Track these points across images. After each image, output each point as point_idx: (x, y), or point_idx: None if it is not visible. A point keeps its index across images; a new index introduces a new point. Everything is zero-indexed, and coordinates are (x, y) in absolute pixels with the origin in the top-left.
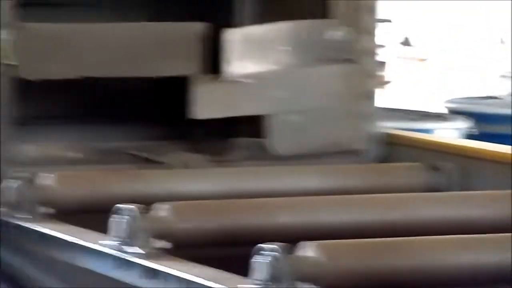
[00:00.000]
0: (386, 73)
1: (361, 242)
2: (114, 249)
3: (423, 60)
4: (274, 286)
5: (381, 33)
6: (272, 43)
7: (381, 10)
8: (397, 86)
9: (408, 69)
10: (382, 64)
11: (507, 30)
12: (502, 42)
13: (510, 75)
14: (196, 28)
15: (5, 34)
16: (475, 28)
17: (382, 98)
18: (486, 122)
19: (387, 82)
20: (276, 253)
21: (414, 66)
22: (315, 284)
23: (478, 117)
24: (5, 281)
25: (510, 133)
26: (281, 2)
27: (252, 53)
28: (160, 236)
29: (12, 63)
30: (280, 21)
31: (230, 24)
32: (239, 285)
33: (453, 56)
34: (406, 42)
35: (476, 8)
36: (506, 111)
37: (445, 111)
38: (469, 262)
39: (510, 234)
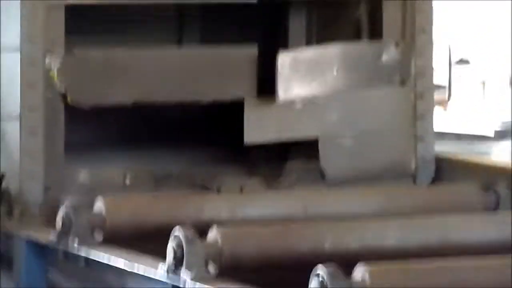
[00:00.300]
0: (443, 95)
1: (411, 266)
2: (168, 275)
3: (483, 82)
4: None
5: (437, 54)
6: (324, 66)
7: (438, 30)
8: (455, 108)
9: (467, 91)
10: (438, 86)
11: None
12: None
13: None
14: (249, 51)
15: (55, 62)
16: None
17: (439, 120)
18: None
19: (444, 104)
20: (328, 276)
21: (472, 87)
22: None
23: None
24: None
25: None
26: (332, 26)
27: (304, 76)
28: (212, 260)
29: (63, 89)
30: (332, 43)
31: (283, 48)
32: None
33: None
34: (464, 62)
35: None
36: None
37: (498, 133)
38: None
39: None
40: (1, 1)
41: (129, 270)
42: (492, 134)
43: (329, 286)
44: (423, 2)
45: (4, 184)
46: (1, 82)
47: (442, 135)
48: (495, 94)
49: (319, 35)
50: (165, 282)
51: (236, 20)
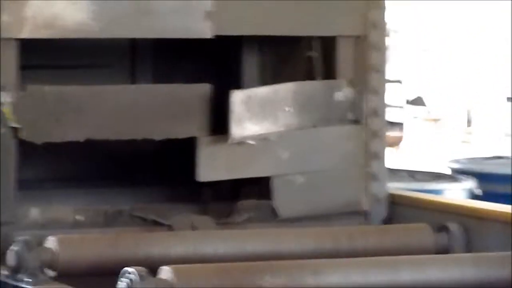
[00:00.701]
0: (396, 134)
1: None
2: None
3: (436, 120)
4: None
5: (390, 93)
6: (277, 104)
7: (391, 70)
8: (408, 146)
9: (420, 129)
10: (391, 124)
11: None
12: (508, 100)
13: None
14: (202, 89)
15: (7, 97)
16: (484, 87)
17: (391, 159)
18: (491, 182)
19: (397, 143)
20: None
21: (426, 126)
22: None
23: (484, 177)
24: None
25: None
26: (286, 63)
27: (257, 114)
28: None
29: (16, 125)
30: (285, 82)
31: (236, 85)
32: None
33: (463, 115)
34: (418, 102)
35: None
36: (509, 171)
37: (450, 171)
38: None
39: None
40: None
41: None
42: (447, 172)
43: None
44: (377, 40)
45: None
46: None
47: (396, 173)
48: (449, 131)
49: (272, 72)
50: None
51: (189, 58)
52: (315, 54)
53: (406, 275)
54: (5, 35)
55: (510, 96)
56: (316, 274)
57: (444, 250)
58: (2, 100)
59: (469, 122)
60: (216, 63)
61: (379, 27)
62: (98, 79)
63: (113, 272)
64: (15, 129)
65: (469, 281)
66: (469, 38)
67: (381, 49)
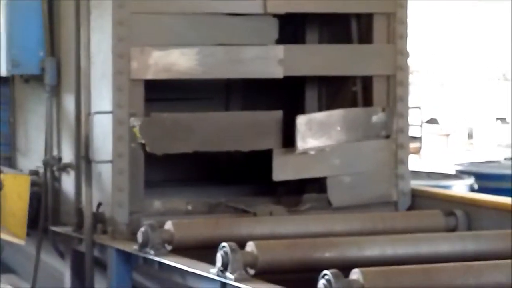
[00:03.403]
0: (417, 145)
1: (399, 269)
2: (217, 275)
3: (446, 135)
4: None
5: (412, 116)
6: (331, 125)
7: (413, 99)
8: (426, 154)
9: (435, 142)
10: (413, 138)
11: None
12: (504, 122)
13: (504, 144)
14: (276, 115)
15: (137, 121)
16: (482, 111)
17: (413, 164)
18: (487, 180)
19: (417, 152)
20: (333, 277)
21: (439, 139)
22: None
23: (481, 176)
24: None
25: (505, 187)
26: (336, 95)
27: (316, 132)
28: (249, 265)
29: (142, 142)
30: (336, 108)
31: (301, 112)
32: None
33: (466, 131)
34: (433, 122)
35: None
36: (501, 171)
37: (456, 172)
38: (476, 283)
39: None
40: (95, 78)
41: (190, 271)
42: (454, 172)
43: (333, 285)
44: (402, 78)
45: (100, 209)
46: (96, 137)
47: (417, 174)
48: (456, 143)
49: (327, 102)
50: (216, 280)
51: (268, 92)
52: (358, 88)
53: (425, 248)
54: (134, 76)
55: (499, 117)
56: (360, 249)
57: (452, 229)
58: (133, 123)
59: (470, 136)
60: (287, 96)
61: (404, 69)
62: (202, 108)
63: (214, 246)
64: (142, 145)
65: (470, 252)
66: (469, 74)
67: (405, 85)
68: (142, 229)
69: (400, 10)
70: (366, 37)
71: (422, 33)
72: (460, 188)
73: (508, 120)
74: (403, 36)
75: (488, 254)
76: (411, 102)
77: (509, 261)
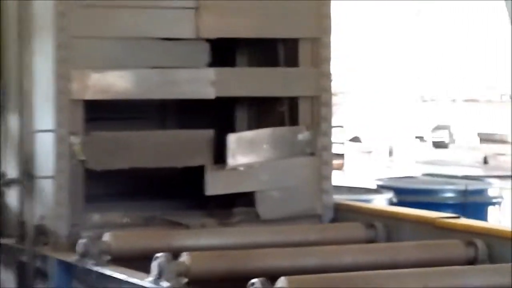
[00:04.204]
0: (340, 161)
1: (322, 277)
2: (152, 284)
3: (368, 152)
4: None
5: (335, 135)
6: (259, 143)
7: (336, 119)
8: (348, 170)
9: (357, 158)
10: (336, 155)
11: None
12: (422, 140)
13: (421, 161)
14: (208, 133)
15: (77, 139)
16: (401, 131)
17: (336, 179)
18: (405, 194)
19: (341, 168)
20: (261, 285)
21: (361, 156)
22: None
23: (400, 191)
24: None
25: (422, 201)
26: (265, 115)
27: (245, 150)
28: (182, 275)
29: (83, 158)
30: (264, 127)
31: (231, 130)
32: None
33: (386, 149)
34: (356, 140)
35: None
36: (419, 186)
37: (376, 186)
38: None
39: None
40: (37, 98)
41: (127, 280)
42: (374, 187)
43: None
44: (326, 100)
45: (42, 222)
46: (38, 154)
47: (339, 188)
48: (377, 160)
49: (256, 121)
50: None
51: (200, 112)
52: (284, 109)
53: (345, 258)
54: (74, 97)
55: (418, 135)
56: (285, 259)
57: (371, 241)
58: (73, 141)
59: (390, 154)
60: (219, 116)
61: (328, 90)
62: (139, 127)
63: (150, 257)
64: (82, 161)
65: (387, 262)
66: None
67: (329, 105)
68: (82, 240)
69: (324, 36)
70: (292, 61)
71: (347, 56)
72: (380, 202)
73: (426, 138)
74: (327, 60)
75: (405, 264)
76: (335, 121)
77: (424, 269)
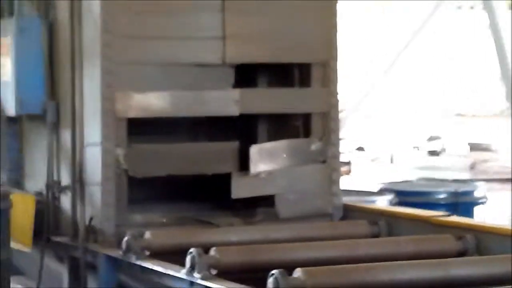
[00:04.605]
0: (348, 168)
1: (334, 268)
2: (186, 276)
3: (373, 159)
4: None
5: (343, 144)
6: (278, 153)
7: (344, 130)
8: (355, 176)
9: (362, 165)
10: (344, 163)
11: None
12: (419, 149)
13: (418, 167)
14: (234, 145)
15: (121, 151)
16: (400, 142)
17: (344, 183)
18: (404, 196)
19: (348, 173)
20: (280, 276)
21: (366, 163)
22: None
23: (399, 193)
24: None
25: (418, 202)
26: (282, 128)
27: (266, 159)
28: (213, 267)
29: (126, 167)
30: (282, 139)
31: (253, 142)
32: None
33: (388, 157)
34: (361, 149)
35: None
36: (415, 189)
37: (379, 189)
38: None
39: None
40: (87, 116)
41: (164, 272)
42: (378, 190)
43: (280, 283)
44: (335, 115)
45: (92, 223)
46: (88, 164)
47: (347, 191)
48: (380, 166)
49: (274, 134)
50: (186, 280)
51: (227, 127)
52: (299, 123)
53: (353, 251)
54: (118, 115)
55: (415, 145)
56: (302, 252)
57: (375, 236)
58: (118, 153)
59: (391, 161)
60: (242, 130)
61: (336, 107)
62: (174, 140)
63: (184, 252)
64: (126, 170)
65: (391, 254)
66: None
67: (337, 120)
68: (125, 238)
69: (332, 61)
70: (305, 82)
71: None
72: (383, 203)
73: (421, 148)
74: (335, 81)
75: (404, 255)
76: (343, 134)
77: (425, 260)
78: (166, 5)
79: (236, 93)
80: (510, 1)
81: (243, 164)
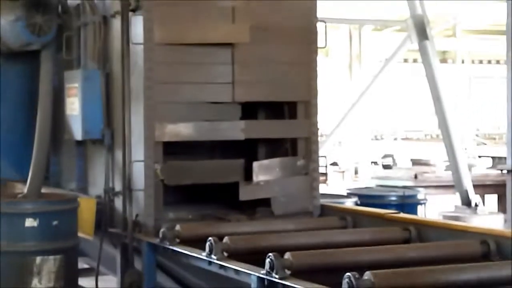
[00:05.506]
0: (324, 178)
1: (314, 252)
2: (205, 257)
3: (343, 171)
4: None
5: (322, 161)
6: (273, 167)
7: (322, 151)
8: (330, 184)
9: (335, 176)
10: (322, 174)
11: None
12: (376, 164)
13: (376, 177)
14: (240, 162)
15: (158, 166)
16: (362, 158)
17: (322, 189)
18: (365, 198)
19: (325, 182)
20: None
21: (338, 174)
22: None
23: (362, 196)
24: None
25: (376, 203)
26: (276, 149)
27: (264, 172)
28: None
29: (162, 178)
30: (276, 158)
31: (255, 160)
32: None
33: (353, 169)
34: (334, 164)
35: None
36: (374, 193)
37: (347, 193)
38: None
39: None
40: (134, 140)
41: (190, 254)
42: (345, 194)
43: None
44: (315, 139)
45: (137, 219)
46: (134, 175)
47: (324, 195)
48: (347, 177)
49: (270, 154)
50: (205, 260)
51: (234, 149)
52: (288, 145)
53: (328, 238)
54: (157, 140)
55: (373, 160)
56: (285, 239)
57: (344, 227)
58: (156, 167)
59: (356, 173)
60: (247, 150)
61: (316, 133)
62: (197, 158)
63: (205, 239)
64: (162, 180)
65: (353, 239)
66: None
67: (316, 143)
68: (162, 229)
69: (313, 99)
70: (293, 115)
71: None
72: (350, 203)
73: (378, 162)
74: (315, 114)
75: (363, 242)
76: (321, 153)
77: (380, 246)
78: (191, 59)
79: (242, 123)
80: (440, 57)
81: (248, 175)
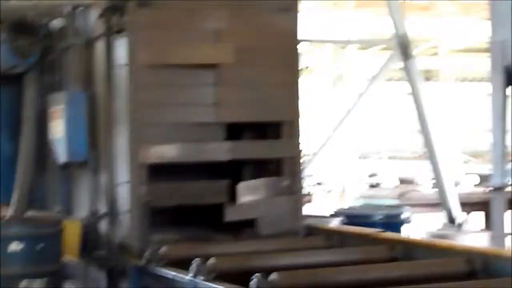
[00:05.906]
0: (309, 198)
1: (301, 272)
2: (192, 278)
3: (329, 191)
4: None
5: (306, 181)
6: (259, 188)
7: (307, 170)
8: (315, 204)
9: (321, 196)
10: (307, 194)
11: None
12: (362, 183)
13: (360, 197)
14: (225, 182)
15: (143, 188)
16: (349, 180)
17: (307, 209)
18: (351, 218)
19: (310, 202)
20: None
21: (323, 194)
22: None
23: (347, 216)
24: None
25: (361, 222)
26: (263, 171)
27: (250, 192)
28: (211, 272)
29: (148, 199)
30: (261, 178)
31: (240, 180)
32: None
33: (339, 190)
34: (320, 184)
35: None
36: (359, 212)
37: (333, 214)
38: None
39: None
40: (119, 162)
41: (174, 276)
42: (331, 214)
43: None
44: (299, 158)
45: (122, 241)
46: (119, 197)
47: (309, 216)
48: (334, 197)
49: (257, 175)
50: (191, 282)
51: (221, 171)
52: (273, 166)
53: (314, 258)
54: (141, 161)
55: (359, 180)
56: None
57: (330, 247)
58: (141, 189)
59: (343, 193)
60: (232, 171)
61: (299, 154)
62: (183, 179)
63: (190, 260)
64: (147, 202)
65: (339, 259)
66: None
67: (301, 163)
68: (147, 252)
69: (296, 120)
70: (276, 135)
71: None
72: (335, 223)
73: (364, 182)
74: (298, 135)
75: (349, 261)
76: (305, 173)
77: (367, 265)
78: (176, 81)
79: (227, 144)
80: (425, 76)
81: (233, 196)
